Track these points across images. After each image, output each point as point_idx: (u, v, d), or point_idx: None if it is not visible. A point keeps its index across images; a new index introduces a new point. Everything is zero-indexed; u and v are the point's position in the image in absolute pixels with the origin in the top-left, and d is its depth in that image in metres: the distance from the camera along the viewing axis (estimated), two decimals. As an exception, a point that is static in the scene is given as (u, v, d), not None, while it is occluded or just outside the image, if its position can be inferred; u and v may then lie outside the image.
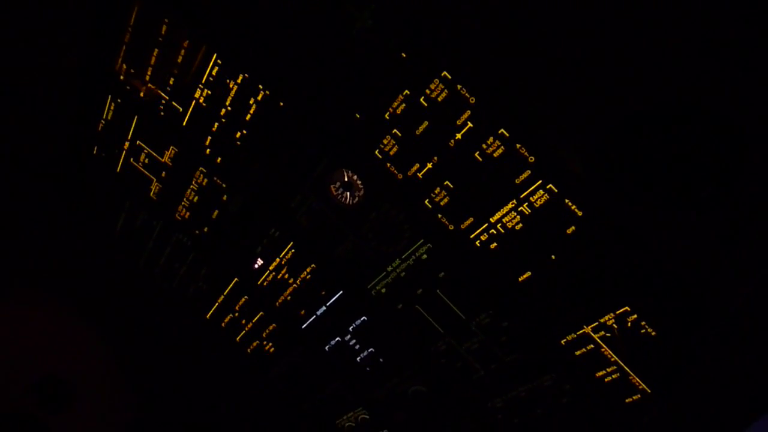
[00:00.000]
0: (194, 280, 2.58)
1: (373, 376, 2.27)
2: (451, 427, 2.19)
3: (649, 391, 1.59)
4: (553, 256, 1.52)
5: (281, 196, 1.97)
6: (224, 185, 2.09)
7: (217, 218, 2.22)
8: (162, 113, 1.98)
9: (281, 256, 2.15)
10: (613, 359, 1.59)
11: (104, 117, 2.12)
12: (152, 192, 2.32)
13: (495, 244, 1.60)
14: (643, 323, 1.47)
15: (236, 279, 2.41)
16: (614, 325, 1.53)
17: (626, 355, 1.56)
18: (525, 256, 1.58)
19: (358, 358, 2.25)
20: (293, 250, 2.10)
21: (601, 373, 1.64)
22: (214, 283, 2.52)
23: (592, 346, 1.61)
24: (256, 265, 2.27)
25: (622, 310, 1.49)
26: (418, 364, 2.08)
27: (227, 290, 2.50)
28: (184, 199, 2.26)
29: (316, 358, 2.41)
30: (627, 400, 1.65)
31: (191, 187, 2.19)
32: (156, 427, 3.38)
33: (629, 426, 1.74)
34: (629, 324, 1.50)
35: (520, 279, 1.62)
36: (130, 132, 2.13)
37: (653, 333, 1.47)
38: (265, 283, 2.31)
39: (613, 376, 1.62)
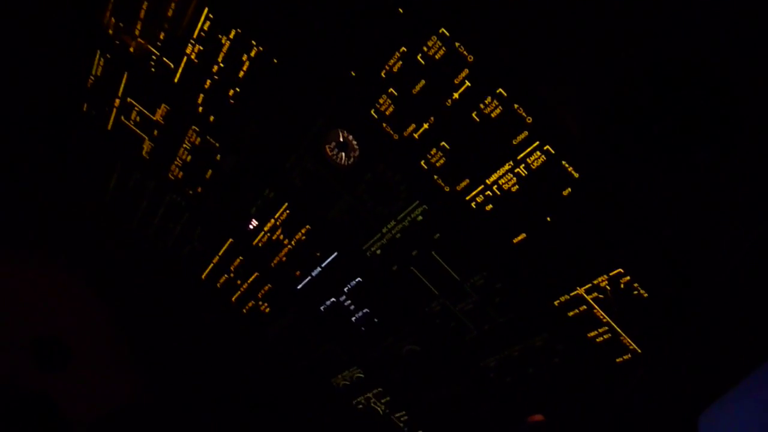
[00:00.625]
0: (189, 240, 2.58)
1: (368, 336, 2.29)
2: (445, 386, 2.24)
3: (639, 351, 1.61)
4: (548, 218, 1.51)
5: (276, 156, 1.95)
6: (218, 144, 2.06)
7: (210, 178, 2.20)
8: (153, 70, 1.93)
9: (276, 216, 2.14)
10: (605, 320, 1.61)
11: (93, 73, 2.07)
12: (144, 151, 2.29)
13: (490, 205, 1.60)
14: (635, 285, 1.48)
15: (231, 240, 2.41)
16: (607, 286, 1.54)
17: (618, 316, 1.58)
18: (520, 218, 1.57)
19: (352, 319, 2.27)
20: (288, 211, 2.09)
21: (592, 334, 1.67)
22: (208, 243, 2.52)
23: (584, 307, 1.63)
24: (251, 226, 2.26)
25: (615, 272, 1.50)
26: (413, 325, 2.10)
27: (222, 251, 2.50)
28: (177, 159, 2.23)
29: (311, 318, 2.43)
30: (617, 360, 1.68)
31: (184, 146, 2.16)
32: (154, 387, 3.44)
33: (619, 385, 1.78)
34: (622, 286, 1.51)
35: (515, 241, 1.62)
36: (121, 89, 2.08)
37: (645, 295, 1.48)
38: (260, 244, 2.31)
39: (605, 337, 1.65)
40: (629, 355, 1.64)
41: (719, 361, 1.71)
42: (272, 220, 2.17)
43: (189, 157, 2.19)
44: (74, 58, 2.05)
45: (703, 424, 2.03)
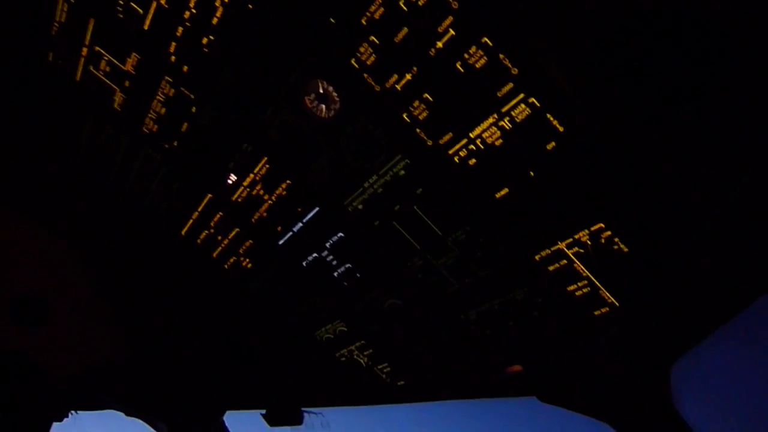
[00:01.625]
0: (167, 196, 2.52)
1: (350, 291, 2.30)
2: (426, 339, 2.27)
3: (617, 304, 1.64)
4: (531, 173, 1.50)
5: (253, 108, 1.88)
6: (192, 96, 1.98)
7: (186, 131, 2.13)
8: (120, 15, 1.83)
9: (255, 171, 2.09)
10: (584, 274, 1.63)
11: (57, 19, 1.95)
12: (116, 103, 2.20)
13: (474, 160, 1.57)
14: (616, 240, 1.49)
15: (210, 195, 2.36)
16: (588, 241, 1.55)
17: (598, 271, 1.60)
18: (503, 172, 1.55)
19: (335, 274, 2.27)
20: (267, 166, 2.04)
21: (572, 288, 1.69)
22: (187, 199, 2.46)
23: (565, 261, 1.64)
24: (230, 181, 2.21)
25: (596, 227, 1.50)
26: (395, 279, 2.11)
27: (201, 206, 2.45)
28: (151, 111, 2.14)
29: (294, 273, 2.42)
30: (596, 313, 1.71)
31: (157, 98, 2.07)
32: (136, 343, 3.45)
33: (597, 337, 1.82)
34: (603, 240, 1.51)
35: (497, 196, 1.61)
36: (87, 36, 1.97)
37: (625, 249, 1.49)
38: (239, 199, 2.26)
39: (584, 290, 1.67)
40: (607, 309, 1.67)
41: (692, 314, 1.76)
42: (251, 175, 2.12)
43: (163, 110, 2.11)
44: (35, 3, 1.92)
45: (675, 374, 2.10)
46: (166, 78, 1.97)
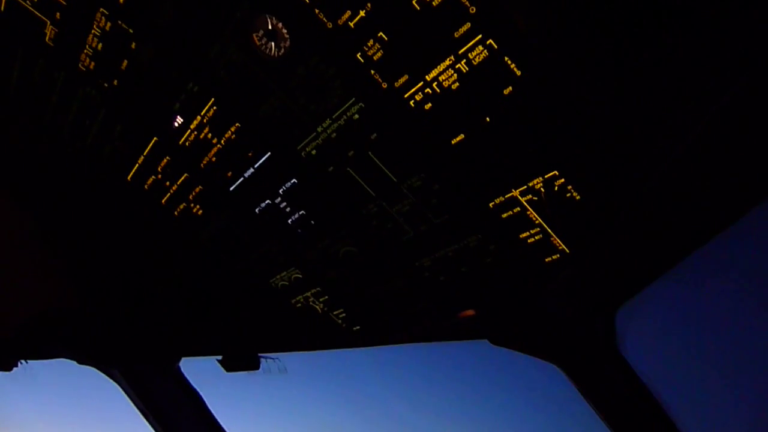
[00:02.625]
0: (109, 139, 2.38)
1: (305, 238, 2.26)
2: (381, 285, 2.28)
3: (568, 251, 1.67)
4: (487, 119, 1.46)
5: (197, 45, 1.76)
6: (131, 31, 1.83)
7: (127, 69, 1.98)
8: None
9: (202, 113, 1.99)
10: (537, 222, 1.64)
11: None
12: (48, 37, 2.02)
13: (429, 104, 1.52)
14: (569, 187, 1.49)
15: (155, 138, 2.24)
16: (542, 188, 1.54)
17: (550, 218, 1.61)
18: (459, 117, 1.51)
19: (289, 221, 2.22)
20: (215, 108, 1.94)
21: (524, 235, 1.70)
22: (131, 142, 2.33)
23: (518, 209, 1.64)
24: (176, 123, 2.10)
25: (550, 174, 1.50)
26: (349, 226, 2.08)
27: (147, 150, 2.33)
28: (87, 47, 1.98)
29: (247, 220, 2.36)
30: (547, 260, 1.73)
31: (93, 32, 1.91)
32: (89, 293, 3.35)
33: (546, 283, 1.86)
34: (556, 188, 1.51)
35: (453, 142, 1.58)
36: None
37: (578, 197, 1.50)
38: (187, 143, 2.16)
39: (536, 238, 1.68)
40: (558, 256, 1.69)
41: (638, 261, 1.81)
42: (198, 117, 2.01)
43: (100, 45, 1.95)
44: None
45: (620, 318, 2.19)
46: (101, 10, 1.81)
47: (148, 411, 3.80)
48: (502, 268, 1.86)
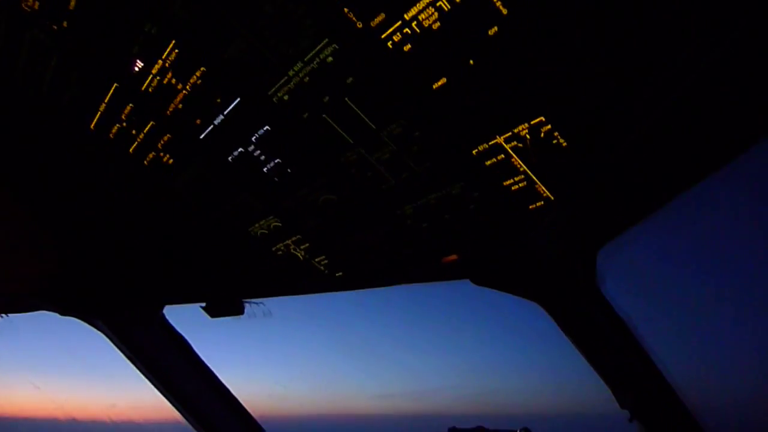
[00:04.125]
0: (66, 86, 2.21)
1: (282, 186, 2.18)
2: (362, 233, 2.23)
3: (552, 198, 1.62)
4: (471, 62, 1.36)
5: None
6: (76, -36, 1.65)
7: (76, 9, 1.81)
8: None
9: (164, 57, 1.83)
10: (521, 169, 1.58)
11: None
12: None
13: (409, 45, 1.41)
14: (555, 134, 1.42)
15: (116, 84, 2.09)
16: (527, 135, 1.47)
17: (535, 165, 1.55)
18: (441, 60, 1.41)
19: (264, 169, 2.13)
20: (177, 51, 1.79)
21: (508, 182, 1.64)
22: (90, 89, 2.17)
23: (502, 156, 1.57)
24: (136, 68, 1.94)
25: (536, 120, 1.42)
26: (328, 175, 2.00)
27: (108, 97, 2.17)
28: (28, -17, 1.79)
29: (220, 169, 2.26)
30: (531, 207, 1.69)
31: (33, -35, 1.72)
32: (67, 246, 3.27)
33: (530, 228, 1.83)
34: (542, 134, 1.44)
35: (434, 86, 1.48)
36: None
37: (564, 144, 1.43)
38: (150, 89, 2.01)
39: (520, 185, 1.63)
40: (542, 203, 1.65)
41: (620, 205, 1.78)
42: (160, 62, 1.86)
43: (43, -20, 1.76)
44: None
45: (601, 258, 2.20)
46: None
47: (135, 358, 3.82)
48: (485, 215, 1.82)
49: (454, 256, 2.23)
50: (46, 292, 3.49)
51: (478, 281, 2.50)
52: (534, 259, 2.26)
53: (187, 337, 4.02)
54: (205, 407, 4.12)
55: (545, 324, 2.81)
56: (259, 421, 4.39)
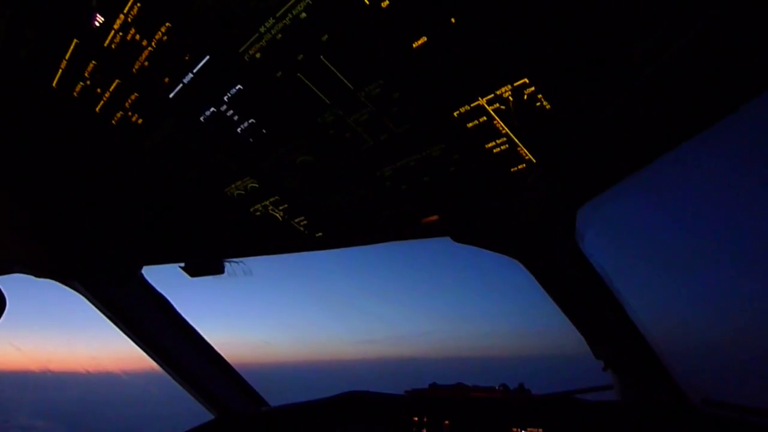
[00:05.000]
0: (22, 43, 2.07)
1: (257, 147, 2.11)
2: (341, 194, 2.19)
3: (534, 161, 1.59)
4: (452, 19, 1.29)
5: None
6: None
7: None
8: None
9: (125, 11, 1.71)
10: (504, 131, 1.54)
11: None
12: None
13: (387, 2, 1.33)
14: (539, 96, 1.37)
15: (75, 40, 1.95)
16: (510, 97, 1.42)
17: (518, 128, 1.51)
18: (421, 18, 1.33)
19: (238, 129, 2.05)
20: (139, 4, 1.67)
21: (490, 145, 1.60)
22: (48, 46, 2.03)
23: (484, 118, 1.52)
24: (96, 23, 1.82)
25: (520, 82, 1.37)
26: (304, 136, 1.93)
27: (68, 54, 2.04)
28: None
29: (192, 129, 2.17)
30: (512, 170, 1.66)
31: None
32: (38, 207, 3.16)
33: (511, 190, 1.81)
34: (525, 97, 1.39)
35: (414, 45, 1.41)
36: None
37: (548, 106, 1.39)
38: (113, 46, 1.89)
39: (502, 148, 1.59)
40: (524, 165, 1.62)
41: (601, 165, 1.77)
42: (122, 16, 1.74)
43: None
44: None
45: (581, 216, 2.21)
46: None
47: (114, 317, 3.80)
48: (466, 177, 1.78)
49: (434, 217, 2.21)
50: (19, 255, 3.41)
51: (459, 238, 2.50)
52: (514, 218, 2.26)
53: (168, 297, 4.00)
54: (187, 361, 4.15)
55: (524, 276, 2.85)
56: (243, 370, 4.47)
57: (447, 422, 3.71)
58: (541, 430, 3.32)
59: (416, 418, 3.84)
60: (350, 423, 4.03)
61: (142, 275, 3.86)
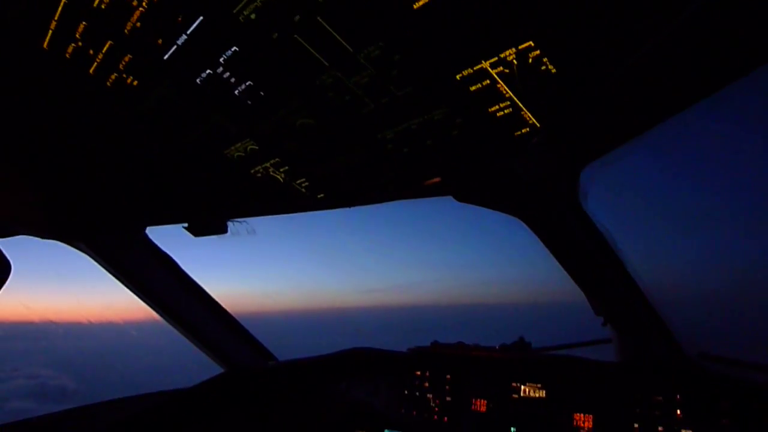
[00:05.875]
0: (7, 3, 2.00)
1: (256, 110, 2.07)
2: (342, 156, 2.17)
3: (538, 125, 1.56)
4: None
5: None
6: None
7: None
8: None
9: (113, -30, 1.65)
10: (507, 95, 1.49)
11: None
12: None
13: None
14: (545, 60, 1.32)
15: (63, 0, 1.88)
16: (514, 60, 1.37)
17: (521, 92, 1.46)
18: None
19: (235, 92, 2.01)
20: None
21: (493, 108, 1.56)
22: (35, 5, 1.96)
23: (488, 81, 1.48)
24: (83, -18, 1.75)
25: (525, 46, 1.32)
26: (303, 98, 1.89)
27: (57, 14, 1.97)
28: None
29: (188, 91, 2.12)
30: (516, 133, 1.63)
31: None
32: (37, 170, 3.14)
33: (514, 154, 1.78)
34: (530, 60, 1.34)
35: (415, 6, 1.35)
36: None
37: (553, 70, 1.34)
38: (102, 6, 1.82)
39: (505, 111, 1.55)
40: (527, 129, 1.59)
41: (605, 127, 1.73)
42: None
43: None
44: None
45: (584, 176, 2.19)
46: None
47: (120, 275, 3.85)
48: (469, 141, 1.75)
49: (436, 179, 2.19)
50: (24, 217, 3.42)
51: (461, 198, 2.48)
52: (517, 179, 2.24)
53: (172, 255, 4.04)
54: (195, 318, 4.25)
55: (527, 232, 2.85)
56: (252, 319, 4.57)
57: (448, 376, 3.81)
58: (539, 385, 3.41)
59: (418, 372, 3.94)
60: (355, 377, 4.15)
61: (146, 235, 3.88)
